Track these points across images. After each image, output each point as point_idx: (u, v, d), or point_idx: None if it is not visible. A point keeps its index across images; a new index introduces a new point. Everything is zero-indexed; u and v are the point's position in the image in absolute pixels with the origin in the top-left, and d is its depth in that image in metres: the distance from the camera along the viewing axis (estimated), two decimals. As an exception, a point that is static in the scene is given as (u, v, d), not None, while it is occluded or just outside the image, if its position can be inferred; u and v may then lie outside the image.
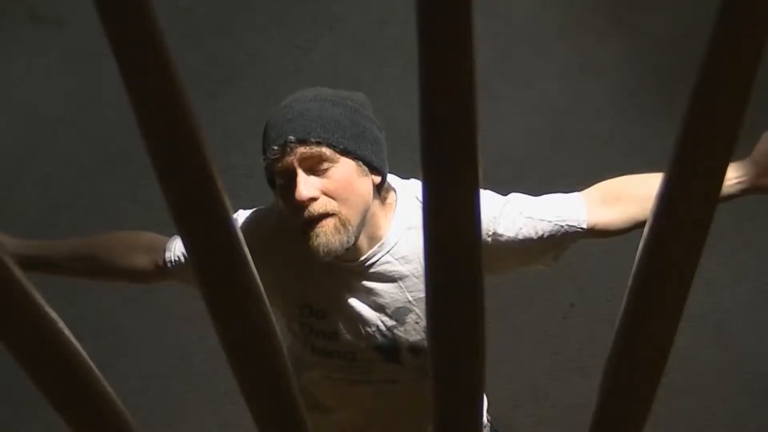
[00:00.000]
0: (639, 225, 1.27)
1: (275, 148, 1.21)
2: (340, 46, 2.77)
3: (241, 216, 1.39)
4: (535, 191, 1.29)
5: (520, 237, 1.30)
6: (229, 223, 0.46)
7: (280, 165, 1.22)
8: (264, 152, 1.25)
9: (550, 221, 1.30)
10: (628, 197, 1.29)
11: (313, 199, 1.21)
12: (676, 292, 0.49)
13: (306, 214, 1.21)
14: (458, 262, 0.47)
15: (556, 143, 2.65)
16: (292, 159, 1.21)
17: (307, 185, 1.20)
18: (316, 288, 1.35)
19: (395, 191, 1.35)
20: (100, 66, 2.73)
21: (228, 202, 0.46)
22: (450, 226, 0.46)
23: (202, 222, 0.46)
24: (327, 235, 1.21)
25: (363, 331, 1.34)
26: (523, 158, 2.64)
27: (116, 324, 2.56)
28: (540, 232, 1.30)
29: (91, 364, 0.49)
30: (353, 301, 1.33)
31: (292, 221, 1.25)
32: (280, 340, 0.52)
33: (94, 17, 0.40)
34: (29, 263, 1.35)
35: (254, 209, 1.41)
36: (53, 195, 2.67)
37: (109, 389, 0.50)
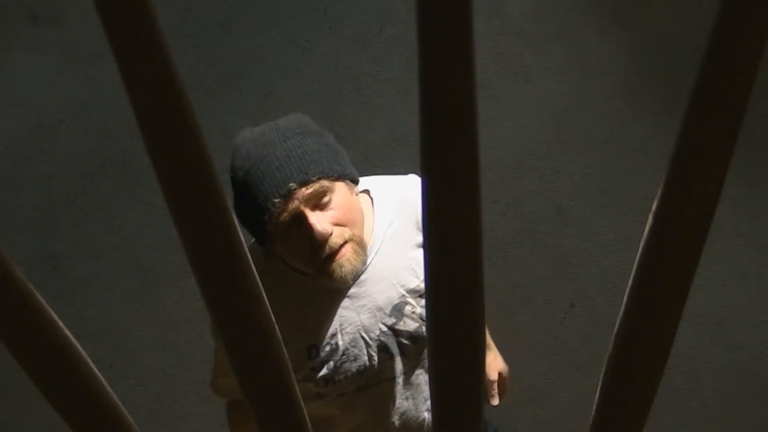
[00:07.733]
0: None
1: (277, 200, 1.18)
2: (340, 46, 2.77)
3: None
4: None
5: None
6: (229, 222, 0.46)
7: (285, 214, 1.20)
8: (257, 213, 1.20)
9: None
10: None
11: (329, 234, 1.22)
12: (676, 293, 0.49)
13: (327, 250, 1.22)
14: (458, 262, 0.47)
15: (556, 143, 2.65)
16: (297, 204, 1.20)
17: (321, 222, 1.21)
18: (313, 324, 1.34)
19: (367, 192, 1.39)
20: (100, 66, 2.73)
21: (228, 202, 0.46)
22: (450, 226, 0.46)
23: (202, 222, 0.46)
24: (351, 261, 1.25)
25: (368, 340, 1.34)
26: (523, 158, 2.64)
27: (116, 324, 2.56)
28: None
29: (91, 364, 0.49)
30: (352, 316, 1.33)
31: (306, 261, 1.26)
32: (280, 339, 0.52)
33: (94, 17, 0.40)
34: None
35: None
36: (53, 195, 2.67)
37: (109, 389, 0.50)
